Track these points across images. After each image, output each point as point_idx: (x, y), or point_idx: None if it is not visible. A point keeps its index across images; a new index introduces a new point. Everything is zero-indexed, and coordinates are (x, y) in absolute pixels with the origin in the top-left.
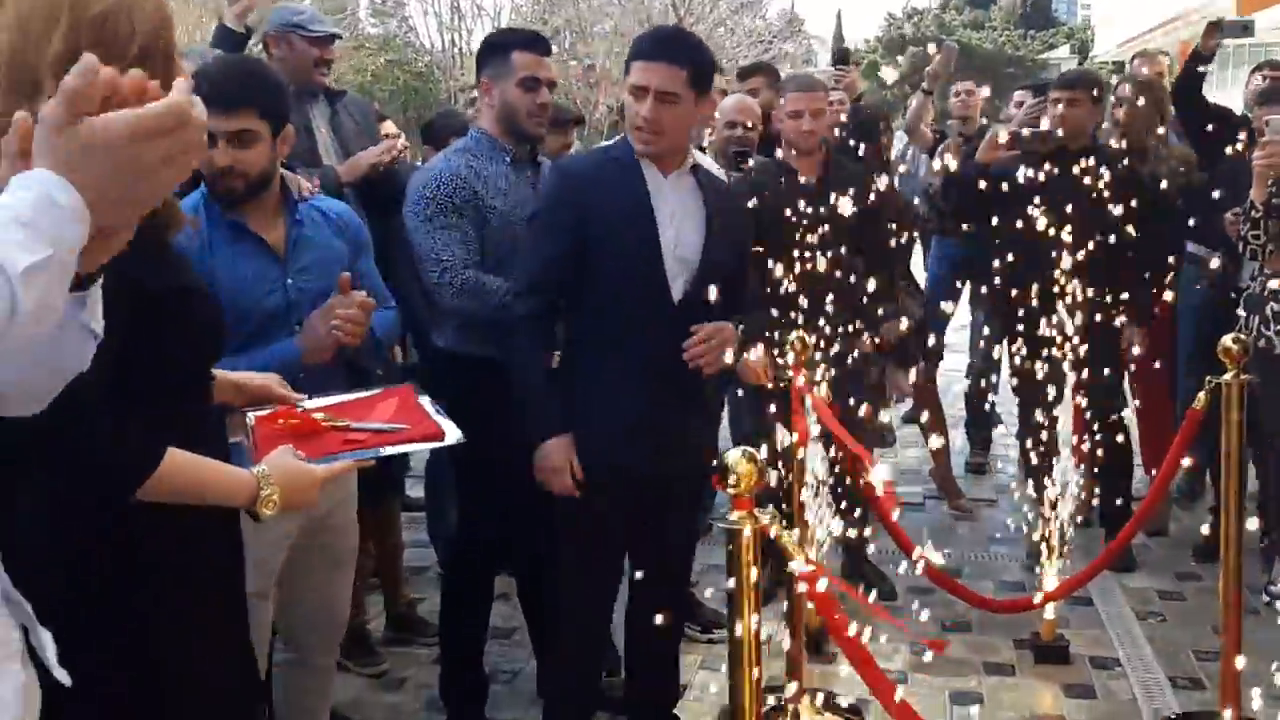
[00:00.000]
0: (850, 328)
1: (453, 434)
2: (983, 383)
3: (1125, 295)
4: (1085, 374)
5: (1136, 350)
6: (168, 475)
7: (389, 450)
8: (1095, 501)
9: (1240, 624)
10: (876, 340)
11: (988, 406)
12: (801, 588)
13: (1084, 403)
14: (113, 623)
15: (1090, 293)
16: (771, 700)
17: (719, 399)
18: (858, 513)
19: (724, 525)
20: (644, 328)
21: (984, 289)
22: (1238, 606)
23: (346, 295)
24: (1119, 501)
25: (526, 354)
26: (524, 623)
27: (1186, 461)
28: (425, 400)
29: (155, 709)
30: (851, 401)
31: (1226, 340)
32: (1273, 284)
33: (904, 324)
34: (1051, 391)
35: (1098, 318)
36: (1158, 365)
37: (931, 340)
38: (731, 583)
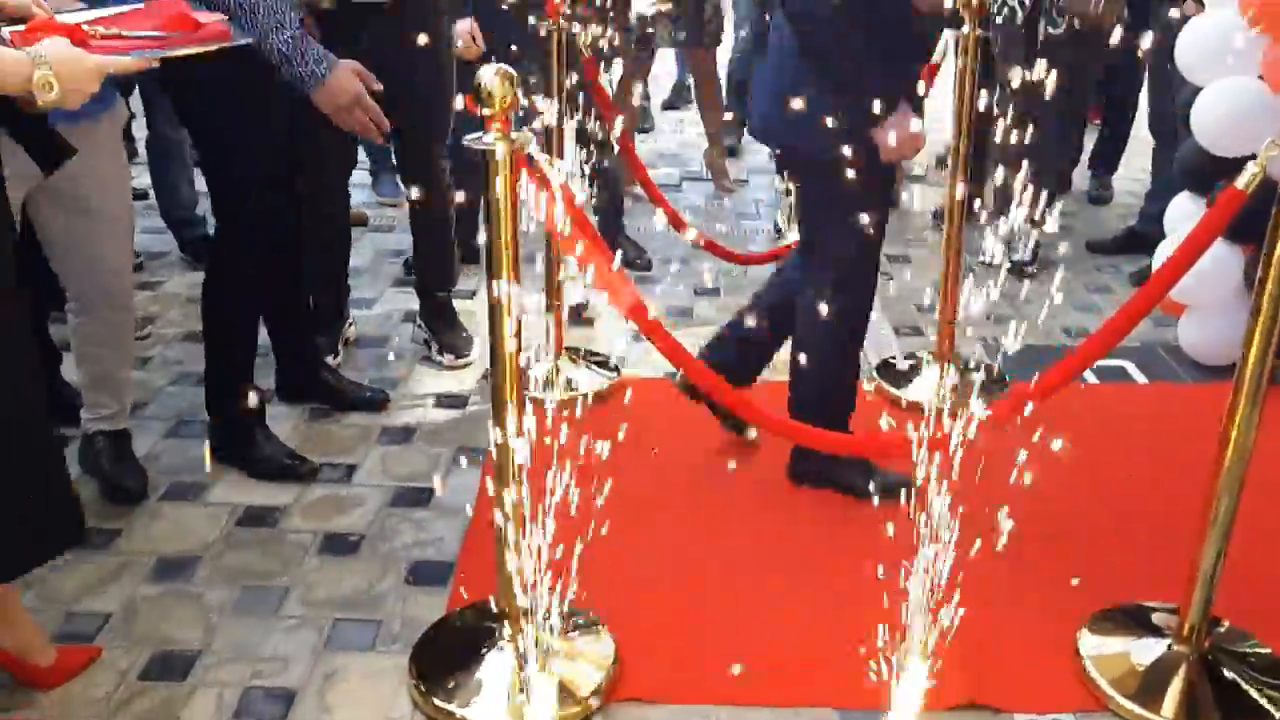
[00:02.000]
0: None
1: (239, 35)
2: (751, 66)
3: None
4: None
5: None
6: None
7: (180, 51)
8: None
9: (959, 278)
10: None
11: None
12: (558, 223)
13: None
14: None
15: None
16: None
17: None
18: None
19: (478, 146)
20: None
21: None
22: (957, 262)
23: None
24: None
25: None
26: None
27: None
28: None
29: None
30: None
31: None
32: None
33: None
34: None
35: None
36: None
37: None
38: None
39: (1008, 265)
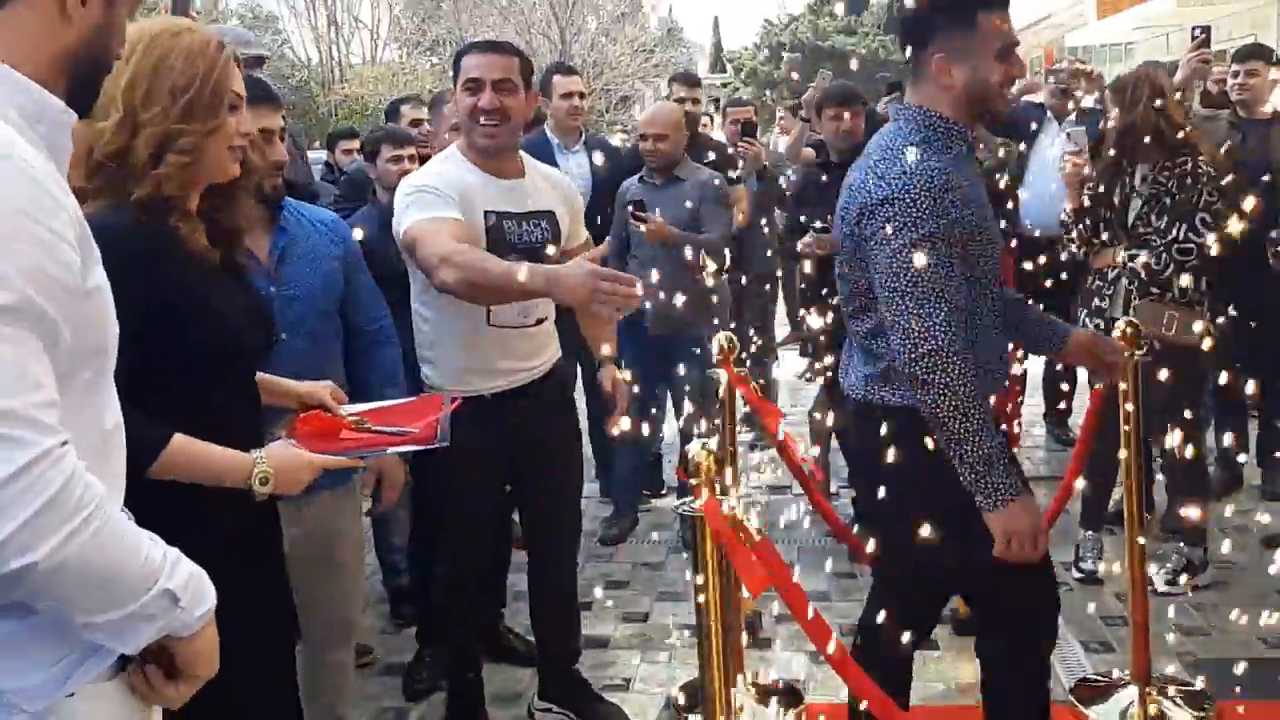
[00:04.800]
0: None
1: (443, 440)
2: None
3: None
4: None
5: None
6: (170, 456)
7: (390, 450)
8: None
9: (1146, 592)
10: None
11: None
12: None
13: None
14: None
15: None
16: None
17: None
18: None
19: (688, 513)
20: None
21: None
22: (1143, 579)
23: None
24: None
25: (969, 394)
26: None
27: None
28: (445, 405)
29: None
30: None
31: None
32: (1098, 281)
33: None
34: None
35: None
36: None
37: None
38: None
39: (1183, 571)
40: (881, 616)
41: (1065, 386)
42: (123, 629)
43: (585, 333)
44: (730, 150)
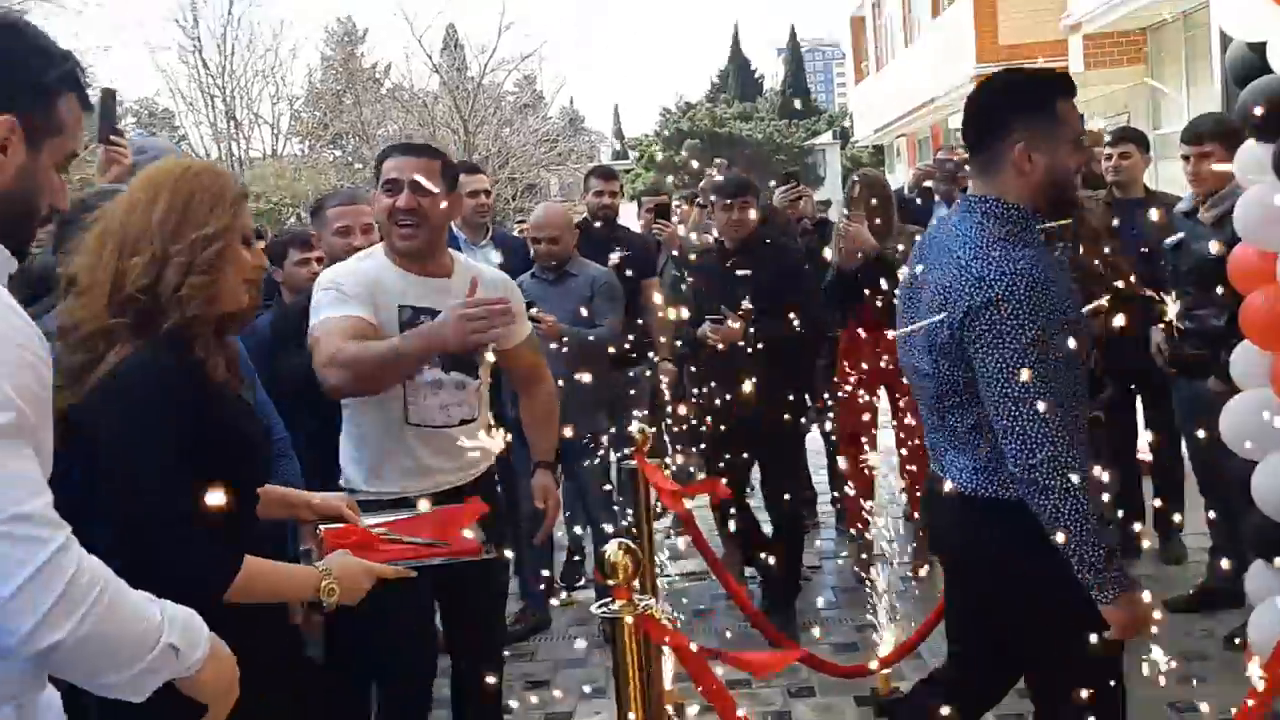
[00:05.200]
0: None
1: (487, 551)
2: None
3: None
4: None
5: None
6: (247, 579)
7: (434, 562)
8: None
9: None
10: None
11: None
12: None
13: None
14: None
15: None
16: None
17: None
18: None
19: (606, 614)
20: None
21: None
22: None
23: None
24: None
25: (1086, 495)
26: None
27: None
28: (468, 516)
29: None
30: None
31: None
32: None
33: None
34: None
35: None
36: None
37: None
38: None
39: None
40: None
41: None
42: (134, 684)
43: (526, 433)
44: (648, 236)
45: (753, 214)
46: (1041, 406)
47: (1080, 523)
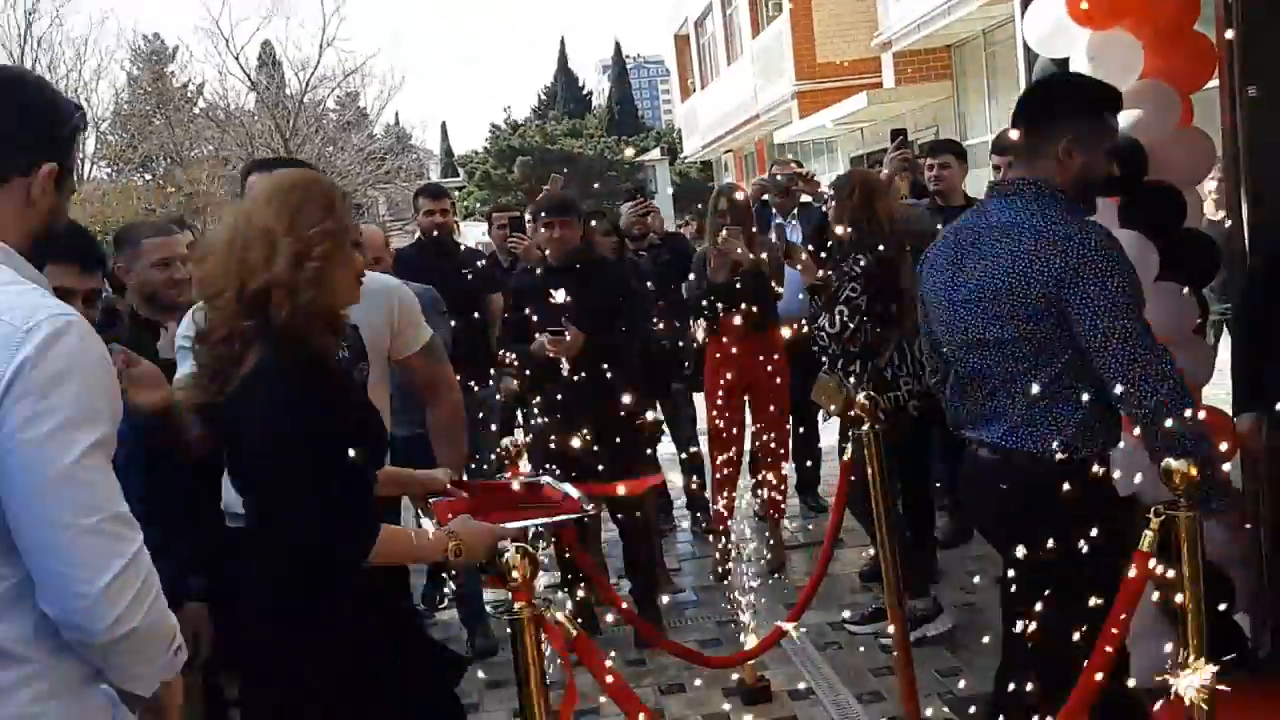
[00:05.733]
0: None
1: (587, 508)
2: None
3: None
4: None
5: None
6: (387, 542)
7: (545, 522)
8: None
9: (907, 638)
10: None
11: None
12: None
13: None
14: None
15: None
16: None
17: None
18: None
19: (508, 616)
20: None
21: None
22: (902, 623)
23: None
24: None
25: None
26: None
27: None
28: (553, 483)
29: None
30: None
31: (860, 397)
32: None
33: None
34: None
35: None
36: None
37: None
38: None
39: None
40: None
41: (809, 462)
42: (153, 679)
43: (434, 445)
44: (494, 252)
45: (571, 233)
46: (1156, 343)
47: (1203, 446)
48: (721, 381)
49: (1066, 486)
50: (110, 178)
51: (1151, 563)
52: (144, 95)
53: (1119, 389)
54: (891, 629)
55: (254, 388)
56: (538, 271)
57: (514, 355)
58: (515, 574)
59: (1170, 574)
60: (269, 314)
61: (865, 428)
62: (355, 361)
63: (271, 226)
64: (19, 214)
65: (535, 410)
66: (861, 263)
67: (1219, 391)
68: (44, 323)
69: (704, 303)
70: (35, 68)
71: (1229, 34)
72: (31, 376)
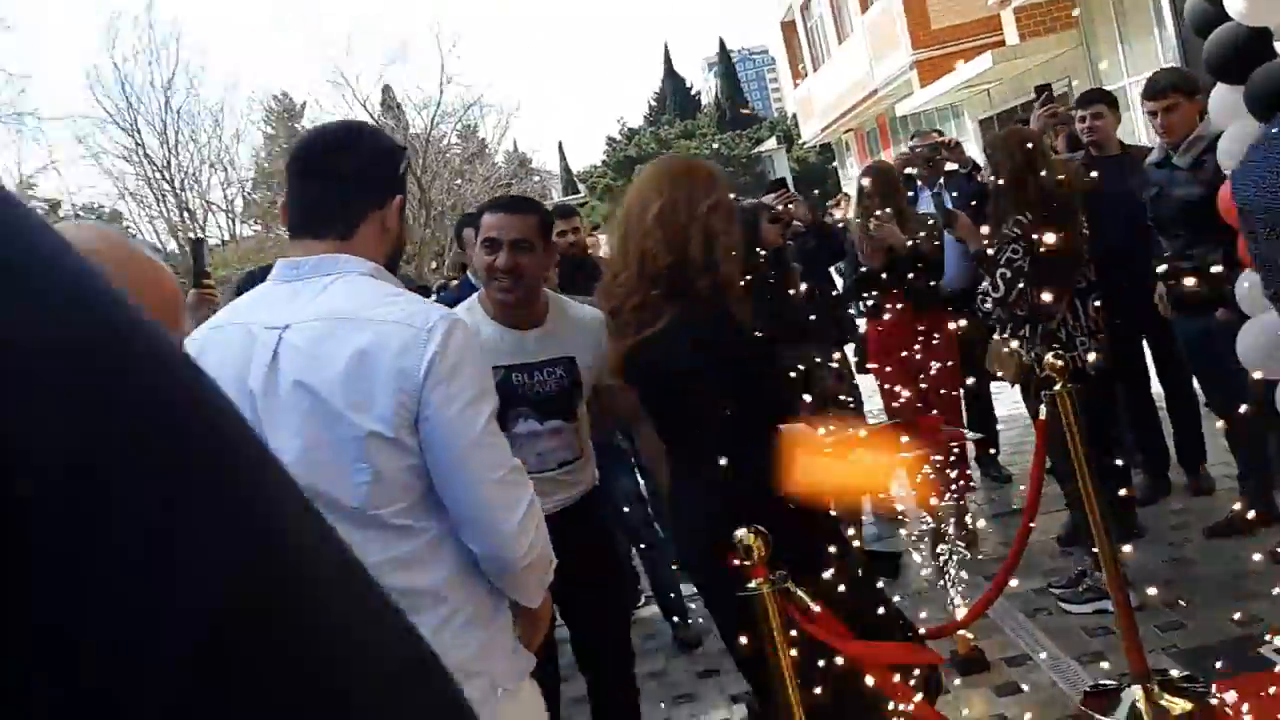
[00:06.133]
0: None
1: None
2: None
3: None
4: None
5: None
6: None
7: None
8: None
9: (1129, 599)
10: None
11: None
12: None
13: None
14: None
15: None
16: None
17: None
18: None
19: (749, 594)
20: None
21: None
22: (1118, 577)
23: None
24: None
25: None
26: None
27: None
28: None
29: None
30: None
31: (1050, 357)
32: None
33: None
34: None
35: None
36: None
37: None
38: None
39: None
40: None
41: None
42: (540, 592)
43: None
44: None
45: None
46: None
47: None
48: (888, 369)
49: None
50: (260, 233)
51: None
52: (281, 152)
53: None
54: (1109, 593)
55: (661, 342)
56: None
57: None
58: (753, 551)
59: None
60: (671, 286)
61: (1058, 387)
62: (574, 391)
63: (668, 213)
64: (379, 239)
65: None
66: (1023, 223)
67: None
68: (438, 323)
69: (861, 290)
70: (179, 139)
71: None
72: (440, 367)
